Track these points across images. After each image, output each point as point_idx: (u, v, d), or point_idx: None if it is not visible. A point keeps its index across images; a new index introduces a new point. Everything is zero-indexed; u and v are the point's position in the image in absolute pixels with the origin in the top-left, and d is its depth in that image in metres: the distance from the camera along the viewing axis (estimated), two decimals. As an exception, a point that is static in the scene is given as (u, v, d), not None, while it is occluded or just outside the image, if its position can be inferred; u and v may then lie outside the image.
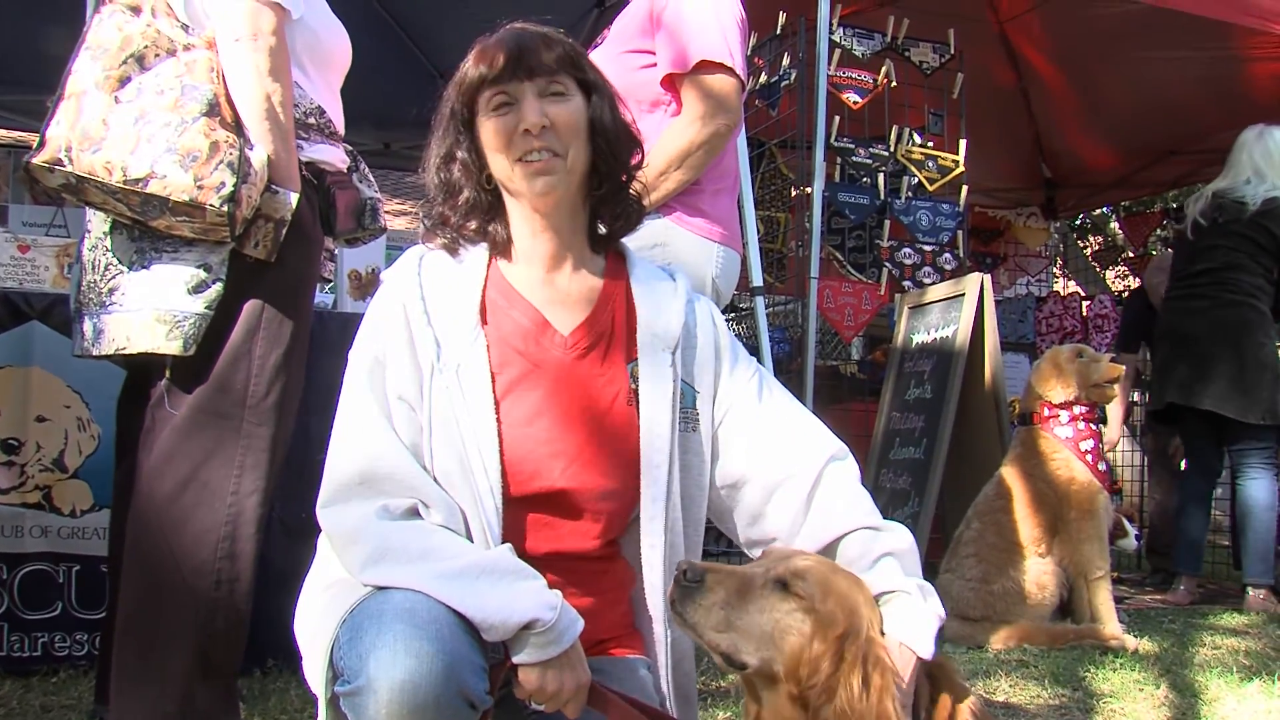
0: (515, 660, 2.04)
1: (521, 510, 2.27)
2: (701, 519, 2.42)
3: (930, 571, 5.77)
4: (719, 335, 2.49)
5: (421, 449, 2.22)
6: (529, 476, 2.26)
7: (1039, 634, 5.12)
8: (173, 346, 2.98)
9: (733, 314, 9.28)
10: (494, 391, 2.25)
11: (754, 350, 6.72)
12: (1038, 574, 5.26)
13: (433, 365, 2.24)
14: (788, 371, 8.32)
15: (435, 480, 2.20)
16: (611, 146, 2.41)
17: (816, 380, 6.88)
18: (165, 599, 3.04)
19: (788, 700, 2.03)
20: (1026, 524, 5.34)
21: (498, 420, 2.23)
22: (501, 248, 2.41)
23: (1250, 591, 6.39)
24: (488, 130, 2.34)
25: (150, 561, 3.05)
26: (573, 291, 2.41)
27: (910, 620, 2.10)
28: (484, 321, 2.31)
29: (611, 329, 2.40)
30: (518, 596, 2.03)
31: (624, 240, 2.55)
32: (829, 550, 2.32)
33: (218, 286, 3.01)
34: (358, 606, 2.05)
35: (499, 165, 2.35)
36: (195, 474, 3.04)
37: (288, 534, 3.64)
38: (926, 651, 2.07)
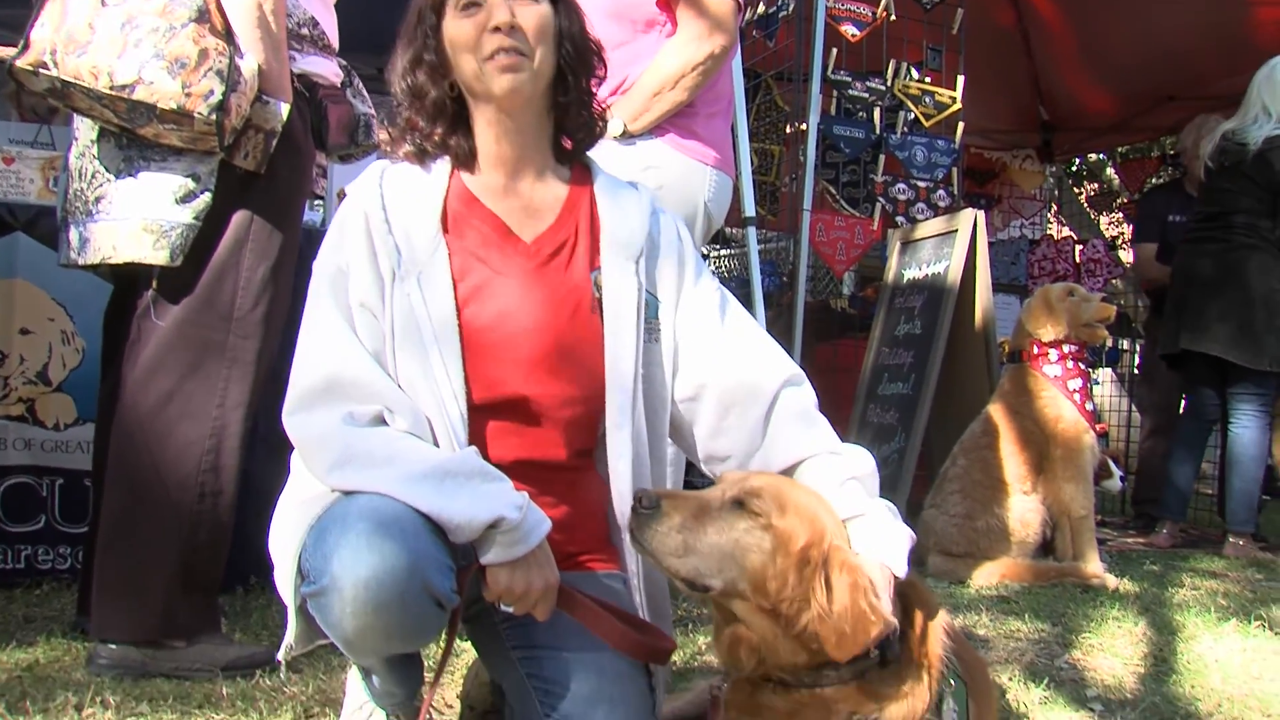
0: (483, 561, 2.07)
1: (486, 417, 2.29)
2: (665, 432, 2.44)
3: (915, 508, 5.83)
4: (683, 247, 2.50)
5: (385, 356, 2.23)
6: (492, 383, 2.27)
7: (1021, 571, 5.14)
8: (159, 256, 2.95)
9: (723, 246, 9.26)
10: (455, 299, 2.26)
11: (745, 283, 6.71)
12: (1022, 511, 5.27)
13: (394, 273, 2.25)
14: (778, 305, 8.32)
15: (400, 388, 2.21)
16: (578, 54, 2.42)
17: (807, 315, 6.86)
18: (148, 511, 3.05)
19: (760, 615, 2.05)
20: (1012, 461, 5.34)
21: (460, 327, 2.25)
22: (464, 160, 2.41)
23: (1231, 537, 6.41)
24: (455, 29, 2.33)
25: (133, 474, 3.05)
26: (535, 199, 2.42)
27: (882, 538, 2.14)
28: (445, 230, 2.32)
29: (575, 236, 2.42)
30: (483, 496, 2.05)
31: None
32: (789, 474, 2.34)
33: (206, 197, 2.98)
34: (324, 512, 2.07)
35: (466, 66, 2.33)
36: (180, 386, 3.03)
37: (271, 451, 3.61)
38: (901, 568, 2.10)
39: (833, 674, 2.06)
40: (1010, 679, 3.36)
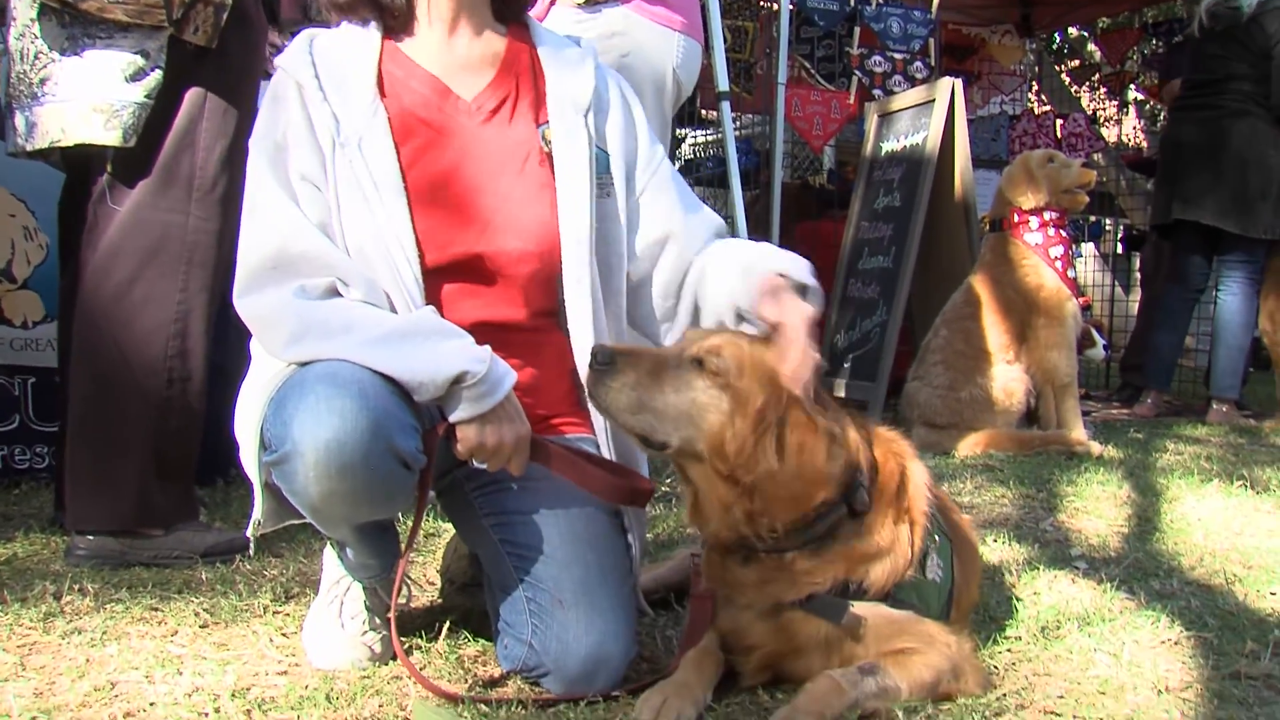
0: (451, 418, 2.05)
1: (441, 280, 2.26)
2: (622, 289, 2.41)
3: (898, 381, 5.84)
4: (631, 105, 2.48)
5: (332, 228, 2.19)
6: (444, 244, 2.24)
7: (1005, 440, 5.16)
8: (111, 137, 2.87)
9: (699, 128, 9.17)
10: (399, 162, 2.22)
11: (721, 162, 6.65)
12: (1005, 381, 5.27)
13: (333, 142, 2.20)
14: (756, 185, 8.27)
15: (350, 258, 2.17)
16: None
17: (786, 194, 6.82)
18: (116, 400, 3.01)
19: (718, 479, 2.03)
20: (994, 331, 5.33)
21: (406, 190, 2.21)
22: (399, 20, 2.35)
23: (1214, 404, 6.44)
24: None
25: (98, 362, 3.01)
26: (474, 56, 2.37)
27: (776, 253, 2.20)
28: (382, 94, 2.27)
29: (516, 92, 2.38)
30: (445, 353, 2.03)
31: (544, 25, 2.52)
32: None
33: (157, 74, 2.90)
34: (283, 382, 2.05)
35: None
36: (142, 271, 2.97)
37: (244, 339, 3.56)
38: (801, 274, 2.14)
39: (799, 537, 2.04)
40: (995, 541, 3.37)
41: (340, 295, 2.11)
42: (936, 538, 2.20)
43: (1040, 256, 5.29)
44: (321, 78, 2.23)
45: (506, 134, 2.33)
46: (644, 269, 2.41)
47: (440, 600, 2.75)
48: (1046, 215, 5.33)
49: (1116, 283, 11.45)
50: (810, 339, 2.04)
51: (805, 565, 2.05)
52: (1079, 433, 5.24)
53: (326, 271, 2.10)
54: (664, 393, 2.02)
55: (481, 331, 2.18)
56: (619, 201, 2.37)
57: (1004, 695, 2.13)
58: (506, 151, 2.31)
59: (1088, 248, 12.36)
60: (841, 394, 6.41)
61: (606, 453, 2.35)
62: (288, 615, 2.62)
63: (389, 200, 2.18)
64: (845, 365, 6.48)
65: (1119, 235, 11.85)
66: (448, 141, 2.28)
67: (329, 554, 2.38)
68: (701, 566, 2.24)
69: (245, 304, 2.13)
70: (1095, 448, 5.11)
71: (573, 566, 2.17)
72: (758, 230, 6.88)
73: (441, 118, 2.30)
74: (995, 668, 2.29)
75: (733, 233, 5.73)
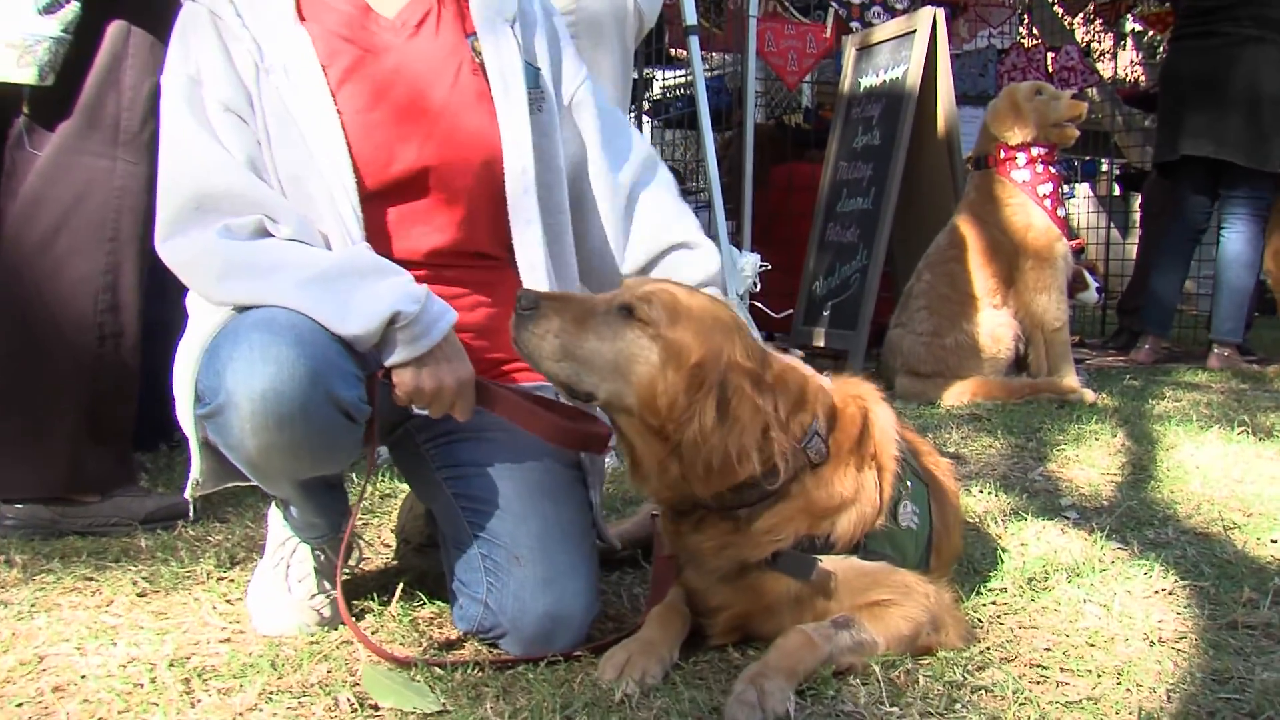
0: (386, 362, 2.04)
1: (383, 205, 2.25)
2: (564, 205, 2.43)
3: (880, 329, 5.84)
4: (556, 21, 2.52)
5: (261, 160, 2.17)
6: (383, 163, 2.23)
7: (994, 388, 5.19)
8: (26, 75, 2.82)
9: (666, 68, 9.13)
10: (328, 84, 2.21)
11: (690, 102, 6.61)
12: (992, 326, 5.29)
13: (256, 68, 2.18)
14: (728, 125, 8.24)
15: (283, 192, 2.17)
16: None
17: (760, 136, 6.80)
18: (44, 358, 2.97)
19: (649, 434, 2.03)
20: (981, 274, 5.33)
21: (338, 113, 2.20)
22: None
23: (1215, 348, 6.46)
24: None
25: (23, 318, 2.96)
26: None
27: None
28: (301, 19, 2.26)
29: (438, 5, 2.40)
30: (377, 293, 2.01)
31: None
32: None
33: (74, 6, 2.85)
34: (216, 331, 2.03)
35: None
36: (66, 220, 2.93)
37: (183, 291, 3.54)
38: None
39: (753, 492, 2.04)
40: (982, 491, 3.40)
41: (269, 234, 2.09)
42: (909, 483, 2.20)
43: (1028, 194, 5.28)
44: (238, 4, 2.21)
45: (435, 45, 2.35)
46: (579, 191, 2.47)
47: (395, 562, 2.75)
48: (1034, 151, 5.32)
49: (1112, 225, 11.46)
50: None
51: (763, 524, 2.06)
52: (1071, 379, 5.26)
53: (252, 209, 2.09)
54: (589, 340, 2.02)
55: (435, 262, 2.19)
56: (552, 116, 2.40)
57: (988, 648, 2.14)
58: (438, 63, 2.33)
59: (1081, 188, 12.38)
60: (820, 343, 6.43)
61: (566, 399, 2.35)
62: (232, 582, 2.62)
63: (320, 124, 2.17)
64: (824, 313, 6.50)
65: (1115, 175, 11.83)
66: (376, 59, 2.29)
67: (274, 513, 2.38)
68: (660, 530, 2.25)
69: (168, 249, 2.11)
70: (1089, 395, 5.14)
71: (530, 520, 2.17)
72: (731, 174, 6.87)
73: (366, 35, 2.31)
74: (979, 620, 2.31)
75: (705, 179, 5.74)
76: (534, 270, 2.31)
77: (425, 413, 2.12)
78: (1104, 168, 12.49)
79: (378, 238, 2.21)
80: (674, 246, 2.51)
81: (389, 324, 1.99)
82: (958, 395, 5.16)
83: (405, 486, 2.97)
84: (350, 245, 2.15)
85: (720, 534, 2.08)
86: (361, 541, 2.74)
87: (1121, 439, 4.25)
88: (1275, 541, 2.90)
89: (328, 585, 2.32)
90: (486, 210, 2.34)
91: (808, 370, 2.16)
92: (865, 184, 6.48)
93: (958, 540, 2.48)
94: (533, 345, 2.02)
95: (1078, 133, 5.39)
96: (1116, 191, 12.33)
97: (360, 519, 3.11)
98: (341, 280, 2.01)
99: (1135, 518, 3.13)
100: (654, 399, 1.98)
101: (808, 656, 1.92)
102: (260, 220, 2.08)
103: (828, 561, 2.07)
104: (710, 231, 6.24)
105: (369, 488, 2.18)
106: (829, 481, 2.07)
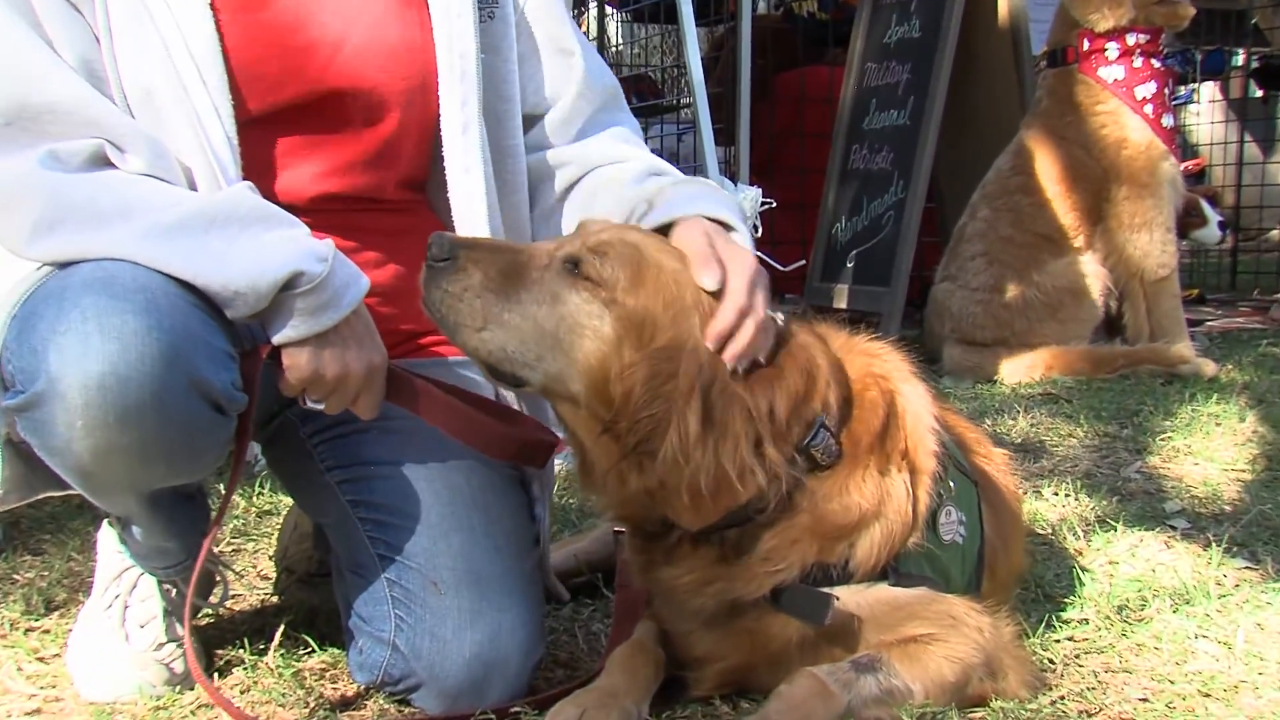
0: (275, 339, 2.02)
1: (267, 136, 2.24)
2: (518, 148, 2.43)
3: (921, 284, 5.85)
4: None
5: (99, 65, 2.11)
6: (272, 82, 2.22)
7: (1075, 359, 5.22)
8: None
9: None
10: None
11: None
12: (1073, 277, 5.31)
13: None
14: (719, 15, 8.25)
15: (129, 111, 2.11)
16: None
17: (761, 30, 6.81)
18: None
19: (598, 432, 2.00)
20: (1057, 208, 5.35)
21: (212, 9, 2.16)
22: None
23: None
24: None
25: None
26: None
27: (699, 198, 2.20)
28: None
29: None
30: (267, 247, 1.99)
31: None
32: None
33: None
34: (29, 293, 1.98)
35: None
36: None
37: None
38: (734, 217, 2.17)
39: (742, 510, 1.99)
40: (1057, 493, 3.44)
41: (111, 165, 2.05)
42: (952, 485, 2.19)
43: (1121, 98, 5.28)
44: None
45: None
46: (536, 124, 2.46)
47: (275, 598, 2.77)
48: (1131, 39, 5.31)
49: (1247, 137, 11.18)
50: (762, 295, 2.04)
51: (759, 549, 2.03)
52: (1183, 347, 5.29)
53: (89, 129, 2.04)
54: (521, 304, 1.99)
55: (324, 209, 2.18)
56: (506, 25, 2.39)
57: (1062, 698, 2.16)
58: None
59: (1204, 90, 12.15)
60: (843, 304, 6.44)
61: (491, 382, 2.35)
62: (47, 633, 2.62)
63: (188, 22, 2.13)
64: (848, 265, 6.51)
65: (1252, 70, 11.58)
66: None
67: (106, 537, 2.36)
68: (628, 552, 2.25)
69: None
70: (1207, 367, 5.17)
71: (451, 535, 2.19)
72: (723, 83, 6.87)
73: None
74: (1050, 662, 2.33)
75: (689, 90, 5.71)
76: (470, 219, 2.31)
77: (319, 407, 2.10)
78: (1237, 61, 12.22)
79: (254, 174, 2.17)
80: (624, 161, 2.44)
81: (284, 287, 1.96)
82: (1026, 369, 5.20)
83: (289, 500, 2.98)
84: (221, 182, 2.12)
85: (703, 564, 2.06)
86: (229, 571, 2.73)
87: (1252, 425, 4.28)
88: None
89: (180, 631, 2.30)
90: (409, 155, 2.35)
91: (805, 336, 2.12)
92: (901, 92, 6.49)
93: (1020, 557, 2.50)
94: (447, 307, 2.00)
95: (1193, 10, 5.38)
96: (1255, 93, 12.09)
97: (228, 543, 3.14)
98: (216, 230, 1.97)
99: (1268, 527, 3.15)
100: (604, 385, 1.97)
101: (820, 709, 1.93)
102: (99, 146, 2.03)
103: (846, 595, 2.05)
104: (696, 160, 6.23)
105: (238, 499, 2.18)
106: (843, 490, 2.05)
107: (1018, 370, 5.21)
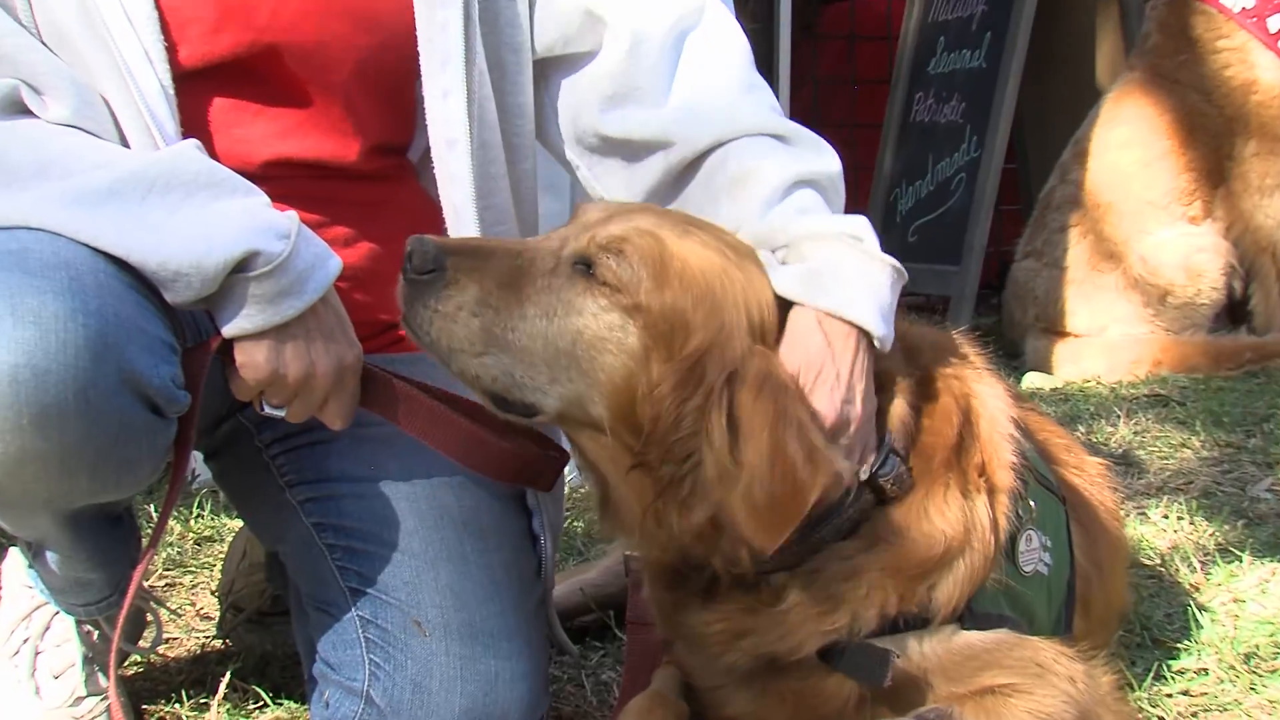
0: (227, 331, 2.01)
1: (208, 92, 2.26)
2: (526, 106, 2.42)
3: (1001, 260, 5.85)
4: None
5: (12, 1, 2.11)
6: (213, 26, 2.22)
7: (1191, 352, 5.22)
8: None
9: None
10: None
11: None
12: (1187, 252, 5.30)
13: None
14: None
15: (47, 49, 2.11)
16: None
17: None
18: None
19: (627, 465, 1.99)
20: (1167, 168, 5.35)
21: None
22: None
23: None
24: None
25: None
26: None
27: (839, 274, 2.09)
28: None
29: None
30: (217, 220, 1.98)
31: None
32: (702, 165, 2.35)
33: None
34: None
35: None
36: None
37: None
38: (874, 323, 2.05)
39: (791, 552, 1.98)
40: (1168, 515, 3.46)
41: (28, 111, 2.06)
42: (1032, 504, 2.17)
43: (1251, 30, 5.25)
44: None
45: None
46: (558, 64, 2.43)
47: (219, 641, 2.79)
48: (1263, -42, 5.31)
49: None
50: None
51: (818, 593, 2.01)
52: (1323, 339, 5.29)
53: (2, 70, 2.06)
54: (527, 319, 1.98)
55: (281, 176, 2.20)
56: None
57: (1175, 766, 2.17)
58: None
59: None
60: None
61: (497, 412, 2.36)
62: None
63: None
64: (909, 238, 6.54)
65: None
66: None
67: (13, 567, 2.38)
68: (648, 590, 2.24)
69: None
70: (1354, 364, 5.16)
71: (439, 565, 2.19)
72: (758, 19, 6.87)
73: None
74: (1160, 719, 2.35)
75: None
76: (457, 194, 2.32)
77: (278, 414, 2.11)
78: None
79: (194, 133, 2.17)
80: (746, 135, 2.36)
81: (237, 269, 1.95)
82: (1129, 365, 5.20)
83: (236, 522, 2.99)
84: (157, 140, 2.12)
85: (739, 612, 2.05)
86: (163, 610, 2.71)
87: None
88: None
89: (103, 683, 2.32)
90: (380, 114, 2.37)
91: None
92: (975, 27, 6.48)
93: (1120, 590, 2.51)
94: (438, 330, 1.99)
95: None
96: None
97: (160, 575, 3.15)
98: (155, 196, 1.97)
99: None
100: (631, 407, 1.95)
101: None
102: (12, 87, 2.05)
103: (912, 645, 2.04)
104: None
105: (173, 523, 2.18)
106: (921, 515, 2.04)
107: (1119, 366, 5.20)
